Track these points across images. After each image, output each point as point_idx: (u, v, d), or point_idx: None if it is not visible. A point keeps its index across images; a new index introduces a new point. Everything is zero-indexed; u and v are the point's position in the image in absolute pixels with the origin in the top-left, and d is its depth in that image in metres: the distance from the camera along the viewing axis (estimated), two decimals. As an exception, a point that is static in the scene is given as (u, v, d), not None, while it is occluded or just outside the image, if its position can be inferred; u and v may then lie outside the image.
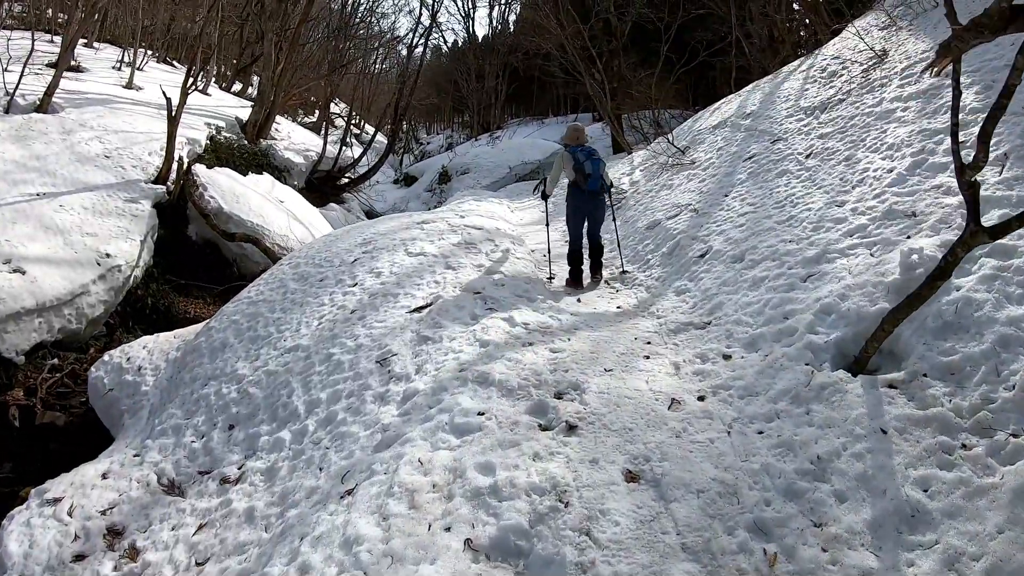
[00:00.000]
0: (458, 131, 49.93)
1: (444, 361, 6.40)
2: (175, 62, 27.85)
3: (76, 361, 11.29)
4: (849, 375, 4.90)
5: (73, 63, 22.66)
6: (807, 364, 5.21)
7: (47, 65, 21.34)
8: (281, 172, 23.31)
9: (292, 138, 25.83)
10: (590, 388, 5.57)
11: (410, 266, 8.94)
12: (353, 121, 40.75)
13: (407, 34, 29.13)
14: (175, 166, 16.38)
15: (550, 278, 9.43)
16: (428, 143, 48.23)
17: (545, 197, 9.82)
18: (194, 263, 15.74)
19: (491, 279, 8.35)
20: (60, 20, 29.81)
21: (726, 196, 9.85)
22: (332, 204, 23.44)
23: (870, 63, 10.85)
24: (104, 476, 6.77)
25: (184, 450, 6.82)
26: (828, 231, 6.97)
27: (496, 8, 46.56)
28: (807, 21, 23.44)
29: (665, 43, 25.39)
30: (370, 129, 44.04)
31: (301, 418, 6.46)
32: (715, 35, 25.18)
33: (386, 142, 28.83)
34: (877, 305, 5.30)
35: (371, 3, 35.73)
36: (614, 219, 10.50)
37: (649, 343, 6.63)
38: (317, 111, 34.30)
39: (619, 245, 10.34)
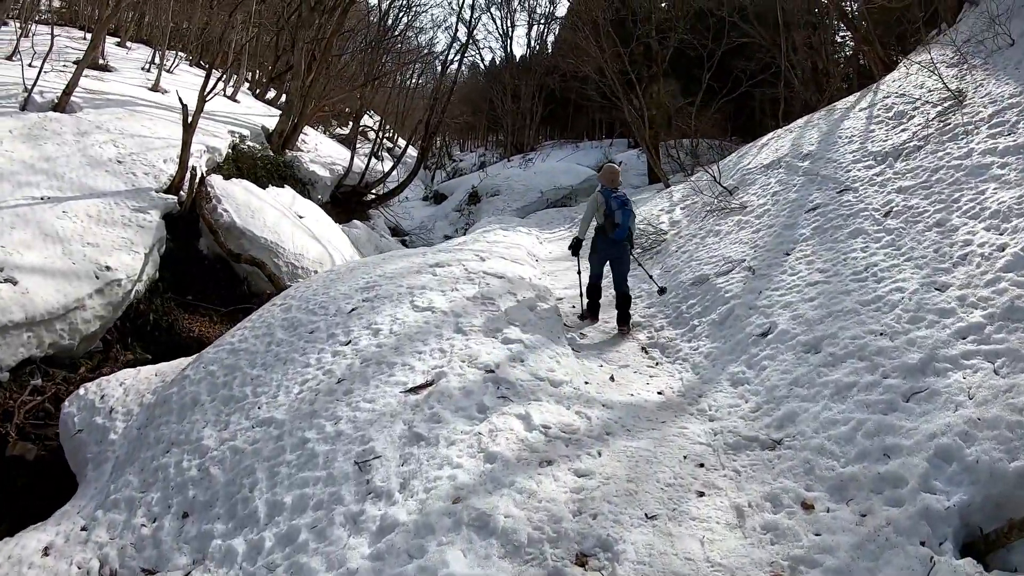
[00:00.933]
0: (492, 150, 48.45)
1: (437, 480, 4.83)
2: (214, 68, 26.61)
3: (64, 381, 10.21)
4: (980, 568, 3.43)
5: (101, 62, 21.68)
6: (922, 543, 3.64)
7: (74, 63, 20.22)
8: (305, 185, 21.92)
9: (319, 150, 24.45)
10: (626, 551, 3.96)
11: (414, 324, 7.36)
12: (386, 135, 39.52)
13: (443, 51, 27.52)
14: (188, 176, 15.18)
15: (581, 317, 9.38)
16: (461, 160, 46.65)
17: (578, 242, 9.23)
18: (203, 279, 14.48)
19: (508, 350, 6.73)
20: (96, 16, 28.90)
21: (787, 255, 8.23)
22: (356, 221, 21.96)
23: (946, 105, 9.35)
24: (46, 552, 5.90)
25: (133, 535, 5.71)
26: (932, 326, 5.37)
27: (535, 28, 45.16)
28: (859, 55, 21.96)
29: (707, 71, 23.70)
30: (402, 143, 42.90)
31: (260, 524, 5.05)
32: (757, 65, 23.54)
33: (417, 158, 27.22)
34: (1019, 461, 3.76)
35: (410, 18, 34.48)
36: (632, 257, 9.49)
37: (702, 465, 4.99)
38: (351, 123, 32.88)
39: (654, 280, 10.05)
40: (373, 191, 24.86)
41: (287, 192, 19.50)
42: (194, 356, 9.31)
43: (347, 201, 23.20)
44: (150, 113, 18.35)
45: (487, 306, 7.72)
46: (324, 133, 30.75)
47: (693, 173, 22.05)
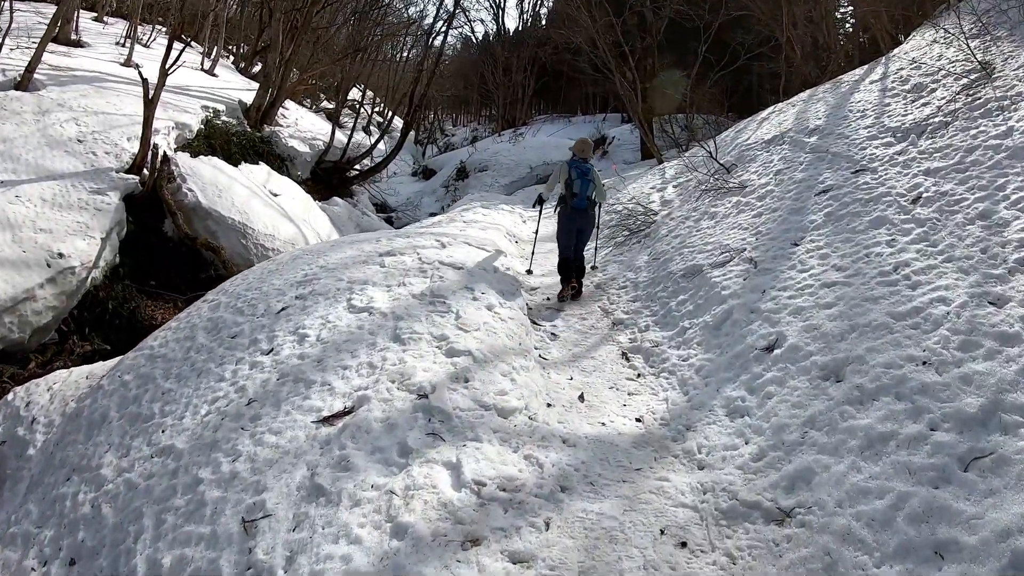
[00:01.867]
0: (485, 124, 46.63)
1: (328, 560, 3.50)
2: (192, 41, 24.92)
3: (11, 379, 9.49)
4: None
5: (74, 37, 20.31)
6: None
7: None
8: (284, 162, 20.48)
9: (300, 125, 22.89)
10: None
11: (346, 330, 5.93)
12: (377, 110, 37.78)
13: (427, 18, 25.77)
14: (151, 154, 14.02)
15: (528, 272, 9.98)
16: (453, 135, 44.87)
17: (541, 202, 9.57)
18: (168, 263, 13.36)
19: (452, 365, 5.28)
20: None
21: (796, 246, 6.75)
22: (336, 198, 20.48)
23: (972, 78, 7.94)
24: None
25: (21, 582, 4.74)
26: (992, 358, 3.97)
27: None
28: (861, 31, 20.35)
29: (704, 43, 22.03)
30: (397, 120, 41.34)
31: (135, 591, 3.74)
32: (755, 38, 21.88)
33: (401, 133, 25.57)
34: None
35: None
36: (597, 227, 9.67)
37: (684, 545, 3.59)
38: (339, 98, 31.26)
39: (596, 249, 10.31)
40: (356, 167, 23.30)
41: (261, 169, 18.12)
42: (116, 360, 8.00)
43: (329, 177, 21.70)
44: (118, 89, 17.08)
45: (436, 305, 6.28)
46: (311, 107, 29.10)
47: (688, 149, 20.71)
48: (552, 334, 7.20)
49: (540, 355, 6.50)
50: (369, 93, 37.18)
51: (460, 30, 42.75)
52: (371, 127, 30.78)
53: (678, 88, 22.48)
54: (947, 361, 4.10)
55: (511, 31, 44.02)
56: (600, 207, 9.46)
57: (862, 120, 9.06)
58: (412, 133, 43.02)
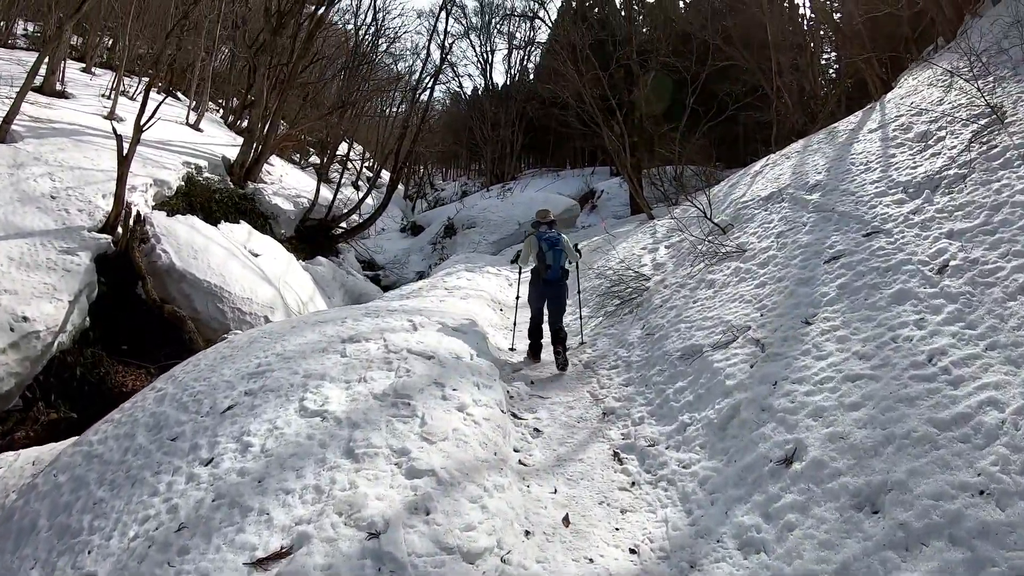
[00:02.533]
0: (474, 179, 45.90)
1: None
2: (180, 93, 24.26)
3: None
4: None
5: (59, 88, 19.57)
6: None
7: (32, 89, 18.27)
8: (267, 219, 19.64)
9: (284, 181, 22.10)
10: None
11: (294, 440, 4.96)
12: (367, 165, 37.09)
13: (415, 75, 24.83)
14: (124, 213, 13.28)
15: (511, 348, 9.41)
16: (443, 190, 43.91)
17: (518, 266, 9.49)
18: (142, 327, 12.35)
19: (411, 490, 4.30)
20: (75, 43, 26.70)
21: (807, 324, 5.90)
22: (320, 257, 19.62)
23: (982, 123, 7.25)
24: None
25: None
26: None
27: (513, 54, 42.57)
28: (846, 77, 19.81)
29: (692, 94, 21.47)
30: (384, 173, 40.68)
31: None
32: (742, 88, 21.34)
33: (388, 189, 24.74)
34: None
35: (388, 44, 32.04)
36: (579, 291, 9.93)
37: None
38: (327, 153, 30.54)
39: (582, 318, 10.02)
40: (342, 224, 22.47)
41: (242, 228, 17.30)
42: (58, 451, 7.09)
43: (314, 236, 20.85)
44: (97, 143, 16.28)
45: (399, 408, 5.34)
46: (301, 163, 28.35)
47: (678, 203, 19.97)
48: (535, 429, 6.29)
49: (520, 460, 5.59)
50: (359, 148, 36.56)
51: (448, 85, 42.38)
52: (360, 182, 29.99)
53: (665, 141, 21.90)
54: (1009, 491, 3.25)
55: (499, 86, 43.74)
56: (575, 269, 9.44)
57: (867, 174, 8.29)
58: (401, 188, 42.46)
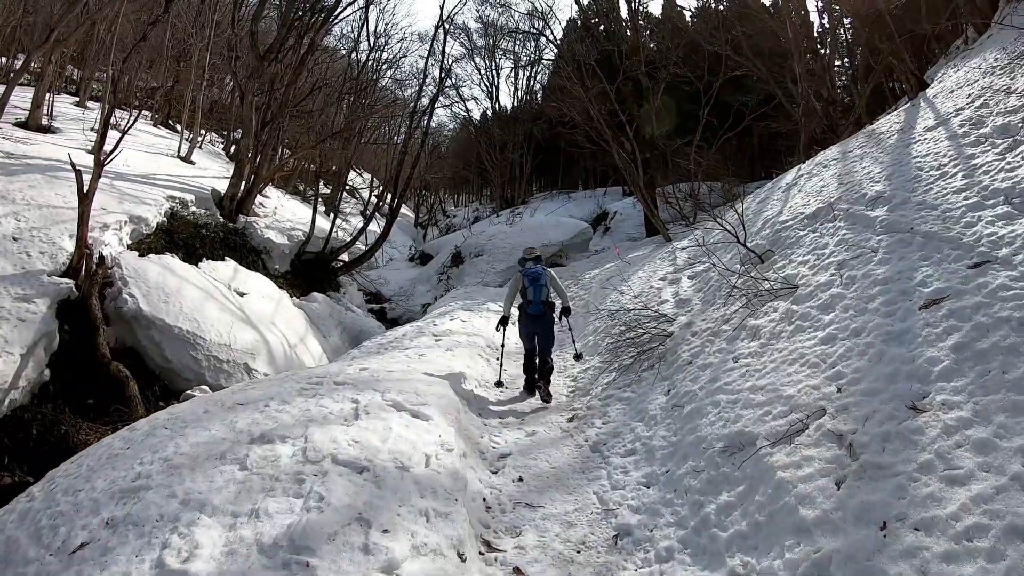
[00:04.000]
0: (485, 204, 43.77)
1: None
2: (178, 125, 22.42)
3: None
4: None
5: (45, 123, 17.93)
6: None
7: (15, 124, 16.92)
8: (259, 255, 17.68)
9: (279, 213, 20.10)
10: None
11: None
12: (375, 193, 35.02)
13: (415, 100, 22.69)
14: (87, 255, 11.75)
15: (498, 383, 8.75)
16: (454, 216, 41.76)
17: (504, 321, 8.83)
18: (109, 378, 10.58)
19: None
20: (62, 73, 25.03)
21: (918, 412, 3.72)
22: (315, 294, 17.52)
23: None
24: None
25: None
26: None
27: (519, 75, 40.45)
28: (864, 79, 17.61)
29: (705, 105, 19.29)
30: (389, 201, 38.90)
31: None
32: (755, 98, 19.19)
33: (388, 217, 22.58)
34: None
35: (389, 69, 29.98)
36: (571, 329, 9.28)
37: None
38: (335, 183, 28.60)
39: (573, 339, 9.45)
40: (342, 256, 20.40)
41: (227, 265, 15.40)
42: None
43: (311, 270, 18.81)
44: (73, 179, 14.39)
45: (291, 572, 3.22)
46: (305, 193, 26.36)
47: (695, 223, 17.83)
48: (516, 570, 4.08)
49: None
50: (367, 177, 34.63)
51: (451, 108, 40.26)
52: (368, 212, 27.96)
53: (679, 156, 19.80)
54: None
55: (506, 108, 41.56)
56: (569, 309, 8.90)
57: (946, 181, 6.15)
58: (412, 216, 40.47)
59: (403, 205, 27.84)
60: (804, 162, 11.96)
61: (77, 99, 22.55)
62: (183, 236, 15.24)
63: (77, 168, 11.41)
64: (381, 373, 6.79)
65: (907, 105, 9.97)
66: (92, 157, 16.80)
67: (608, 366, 8.01)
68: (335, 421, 5.09)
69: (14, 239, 11.41)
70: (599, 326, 10.04)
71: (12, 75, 15.31)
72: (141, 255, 13.29)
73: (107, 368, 10.30)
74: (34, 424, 9.34)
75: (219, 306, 13.11)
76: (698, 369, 6.28)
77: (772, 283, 6.69)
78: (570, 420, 6.92)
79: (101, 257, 12.18)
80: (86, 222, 11.58)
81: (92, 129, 19.26)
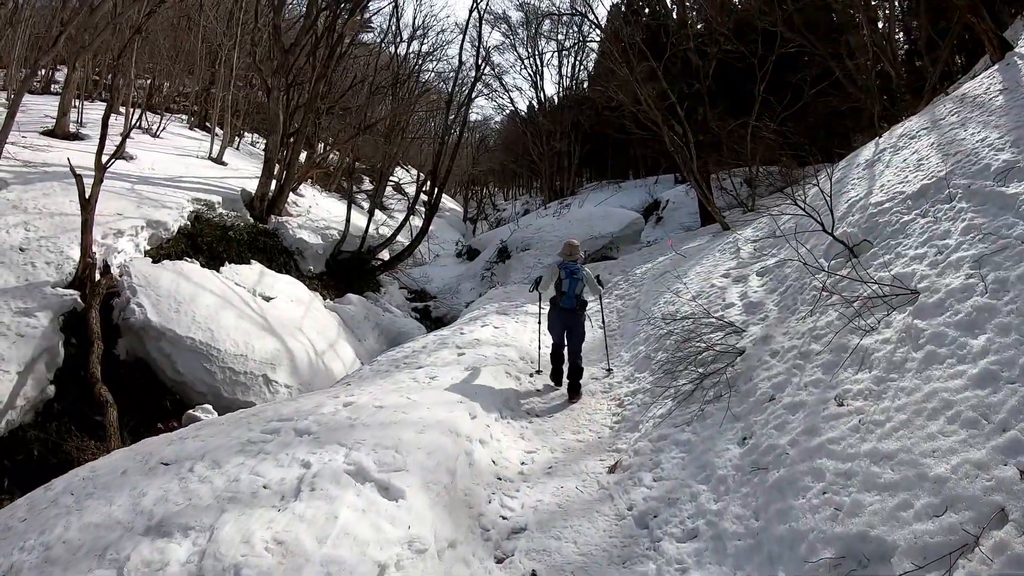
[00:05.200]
0: (535, 196, 41.76)
1: None
2: (216, 127, 21.20)
3: None
4: None
5: (72, 130, 17.02)
6: None
7: (42, 133, 16.24)
8: (291, 256, 16.22)
9: (313, 212, 18.60)
10: None
11: None
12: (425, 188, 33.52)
13: (451, 88, 20.88)
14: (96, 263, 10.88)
15: (538, 371, 8.59)
16: (504, 210, 39.84)
17: (538, 290, 8.54)
18: (121, 391, 9.65)
19: None
20: (100, 81, 24.16)
21: None
22: (350, 295, 15.97)
23: None
24: None
25: None
26: None
27: (563, 62, 38.05)
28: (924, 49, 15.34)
29: (761, 80, 17.05)
30: (443, 198, 37.08)
31: None
32: (815, 71, 16.91)
33: (427, 212, 20.87)
34: None
35: (427, 61, 28.17)
36: (603, 325, 9.06)
37: None
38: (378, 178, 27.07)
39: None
40: (379, 255, 18.82)
41: (252, 269, 13.98)
42: None
43: (348, 270, 17.33)
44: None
45: None
46: (347, 192, 24.87)
47: (753, 208, 15.77)
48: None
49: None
50: (415, 173, 33.04)
51: (497, 99, 38.25)
52: (418, 207, 26.35)
53: (733, 138, 17.68)
54: None
55: (551, 98, 39.32)
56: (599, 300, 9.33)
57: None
58: (461, 211, 38.79)
59: (452, 200, 26.28)
60: (874, 138, 9.97)
61: (110, 103, 21.59)
62: (207, 240, 13.96)
63: (78, 173, 10.44)
64: (366, 411, 5.11)
65: (994, 67, 7.97)
66: (119, 163, 15.96)
67: (662, 390, 6.13)
68: (264, 502, 3.49)
69: (21, 249, 10.49)
70: (651, 333, 8.19)
71: (21, 82, 14.09)
72: (155, 261, 12.12)
73: (93, 389, 9.05)
74: (35, 444, 8.49)
75: (237, 313, 11.77)
76: (785, 410, 4.40)
77: (879, 286, 4.75)
78: (611, 470, 5.11)
79: (106, 266, 11.13)
80: (90, 229, 10.60)
81: (123, 135, 18.21)
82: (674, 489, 4.39)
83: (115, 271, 11.22)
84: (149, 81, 24.05)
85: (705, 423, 4.95)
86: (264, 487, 3.65)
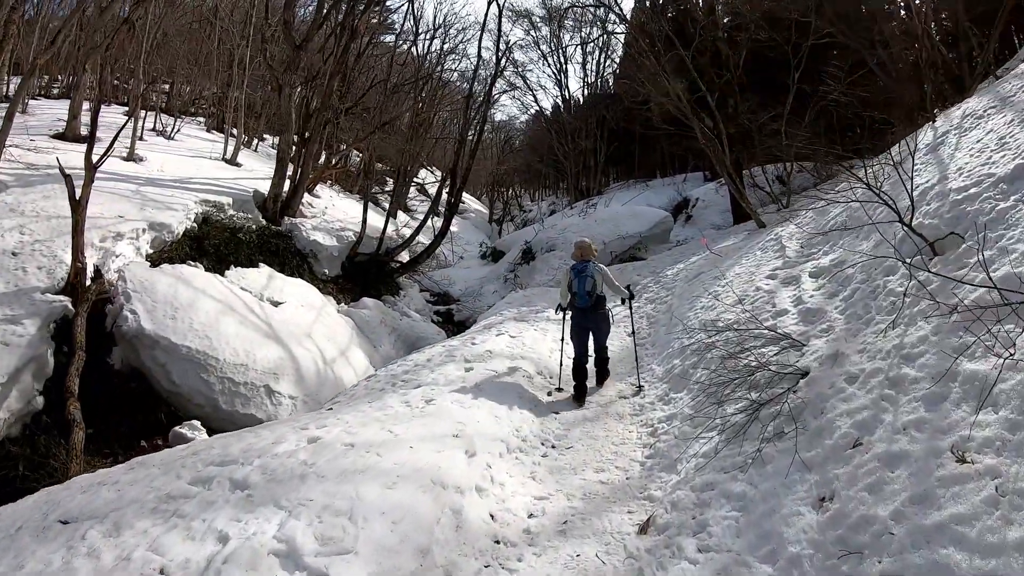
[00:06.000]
0: (561, 197, 40.09)
1: None
2: (232, 129, 20.28)
3: None
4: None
5: (83, 132, 16.06)
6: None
7: (53, 136, 15.48)
8: (304, 258, 15.22)
9: (329, 213, 17.55)
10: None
11: None
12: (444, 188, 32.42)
13: (471, 83, 19.75)
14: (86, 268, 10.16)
15: (558, 388, 7.75)
16: (530, 211, 38.31)
17: (562, 310, 8.24)
18: (114, 403, 9.19)
19: None
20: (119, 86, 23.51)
21: None
22: (365, 299, 14.96)
23: None
24: None
25: None
26: None
27: (587, 60, 36.64)
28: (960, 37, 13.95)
29: (796, 69, 15.66)
30: (466, 197, 35.62)
31: None
32: (850, 59, 15.49)
33: (446, 213, 19.69)
34: None
35: (448, 59, 26.95)
36: (633, 333, 8.17)
37: None
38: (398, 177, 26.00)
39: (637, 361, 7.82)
40: (398, 258, 17.74)
41: (260, 272, 13.05)
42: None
43: (366, 273, 16.28)
44: (99, 187, 12.64)
45: None
46: (369, 193, 23.84)
47: (788, 205, 14.45)
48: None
49: None
50: (440, 174, 31.90)
51: (521, 98, 36.90)
52: (440, 208, 25.28)
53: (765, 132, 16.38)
54: None
55: (577, 97, 37.89)
56: (628, 307, 8.39)
57: None
58: (487, 212, 37.57)
59: (477, 201, 25.12)
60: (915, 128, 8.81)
61: (127, 108, 20.82)
62: (214, 242, 13.09)
63: (67, 173, 9.67)
64: (329, 452, 3.97)
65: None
66: (128, 165, 15.19)
67: (705, 419, 4.91)
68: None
69: (13, 254, 9.89)
70: (687, 344, 6.97)
71: (21, 82, 13.39)
72: (154, 265, 11.25)
73: (65, 405, 8.20)
74: (20, 459, 7.79)
75: (239, 320, 10.92)
76: (879, 464, 3.13)
77: (999, 290, 3.52)
78: (642, 529, 3.88)
79: (97, 271, 10.35)
80: (81, 232, 9.86)
81: (138, 137, 17.41)
82: (727, 568, 3.19)
83: (113, 276, 10.44)
84: (169, 85, 23.36)
85: (765, 470, 3.71)
86: (160, 573, 2.58)
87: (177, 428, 8.64)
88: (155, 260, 11.46)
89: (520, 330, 9.25)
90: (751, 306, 6.42)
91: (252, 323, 11.02)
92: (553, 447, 5.56)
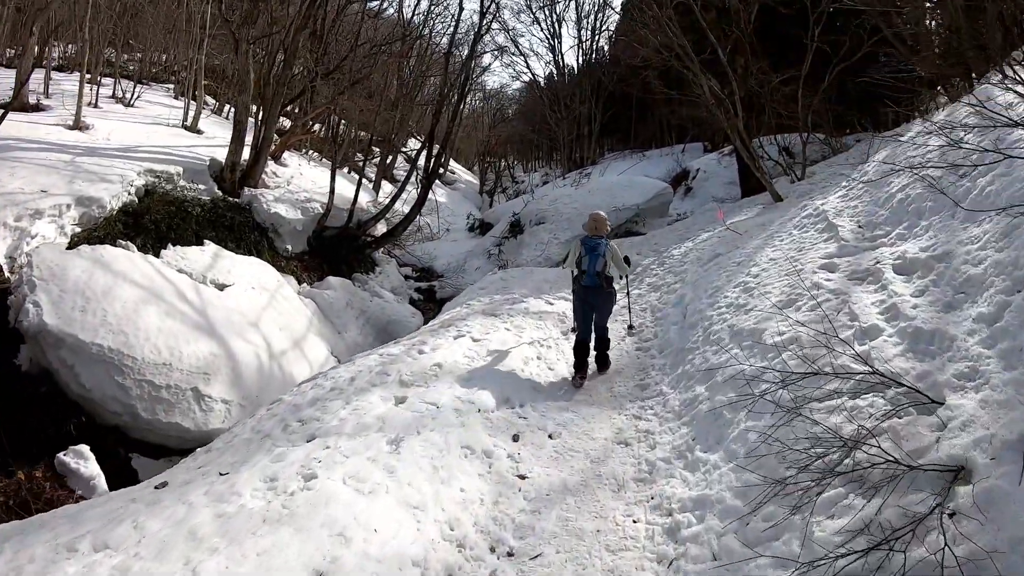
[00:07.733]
0: (555, 168, 37.21)
1: None
2: (192, 93, 17.95)
3: None
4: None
5: (32, 101, 14.18)
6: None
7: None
8: (264, 233, 13.09)
9: (295, 183, 15.33)
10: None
11: None
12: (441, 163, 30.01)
13: (449, 38, 17.32)
14: None
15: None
16: (523, 182, 35.98)
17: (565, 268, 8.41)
18: (22, 408, 7.66)
19: None
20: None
21: None
22: (330, 279, 12.92)
23: None
24: None
25: None
26: None
27: (584, 23, 33.20)
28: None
29: (815, 25, 13.35)
30: (456, 167, 33.40)
31: None
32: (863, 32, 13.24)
33: (424, 181, 17.28)
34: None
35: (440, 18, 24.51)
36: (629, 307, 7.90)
37: None
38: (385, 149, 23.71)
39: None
40: (372, 232, 15.60)
41: (204, 251, 11.06)
42: None
43: (336, 248, 14.19)
44: (29, 159, 10.73)
45: None
46: (352, 162, 21.58)
47: (803, 177, 12.41)
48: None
49: None
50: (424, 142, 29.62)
51: (513, 67, 34.56)
52: (419, 178, 23.04)
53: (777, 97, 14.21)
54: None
55: (571, 66, 35.43)
56: (625, 280, 8.12)
57: None
58: (477, 183, 35.32)
59: (468, 172, 22.94)
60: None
61: (89, 75, 18.53)
62: (155, 217, 11.05)
63: None
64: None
65: None
66: (72, 134, 13.09)
67: (768, 524, 2.76)
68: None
69: None
70: (715, 362, 4.83)
71: None
72: (71, 247, 9.31)
73: None
74: None
75: (165, 310, 8.94)
76: None
77: None
78: None
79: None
80: None
81: (89, 104, 15.18)
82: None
83: (22, 260, 8.57)
84: (141, 53, 21.05)
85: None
86: None
87: (61, 455, 6.75)
88: (79, 240, 9.52)
89: (487, 330, 7.00)
90: (809, 311, 4.34)
91: (181, 313, 9.01)
92: (510, 555, 3.47)
